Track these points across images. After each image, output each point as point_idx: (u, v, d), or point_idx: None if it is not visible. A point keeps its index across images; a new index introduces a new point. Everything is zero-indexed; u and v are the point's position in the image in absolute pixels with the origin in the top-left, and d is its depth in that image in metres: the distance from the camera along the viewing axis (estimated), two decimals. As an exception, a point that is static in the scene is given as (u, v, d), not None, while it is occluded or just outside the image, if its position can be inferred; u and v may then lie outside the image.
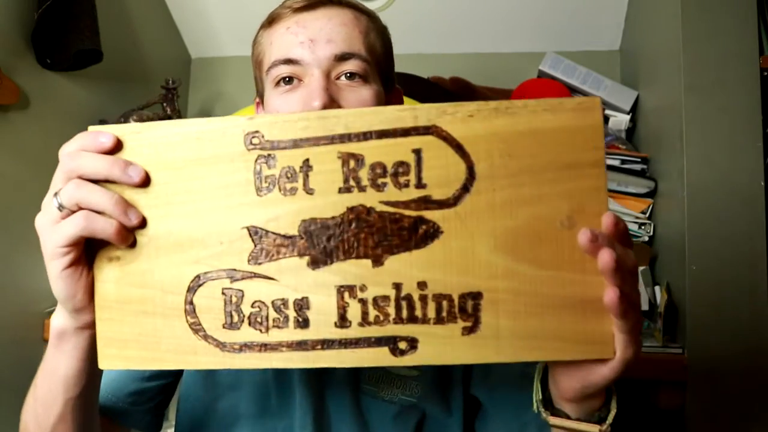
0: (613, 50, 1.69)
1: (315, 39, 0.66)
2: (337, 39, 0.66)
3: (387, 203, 0.46)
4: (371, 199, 0.46)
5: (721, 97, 1.08)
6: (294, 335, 0.47)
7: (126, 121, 1.42)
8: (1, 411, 1.13)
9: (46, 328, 1.24)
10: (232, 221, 0.47)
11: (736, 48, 1.08)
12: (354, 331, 0.47)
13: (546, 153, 0.45)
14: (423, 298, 0.46)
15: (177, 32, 1.81)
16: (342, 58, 0.66)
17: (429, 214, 0.46)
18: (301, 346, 0.47)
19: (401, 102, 0.80)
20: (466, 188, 0.46)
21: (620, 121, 1.46)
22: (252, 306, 0.47)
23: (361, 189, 0.46)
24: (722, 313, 1.03)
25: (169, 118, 1.50)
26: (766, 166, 1.05)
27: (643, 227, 1.27)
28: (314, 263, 0.47)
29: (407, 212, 0.46)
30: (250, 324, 0.47)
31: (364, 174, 0.46)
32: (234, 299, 0.47)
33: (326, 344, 0.47)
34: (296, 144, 0.47)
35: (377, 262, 0.46)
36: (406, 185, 0.46)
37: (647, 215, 1.28)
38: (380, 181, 0.46)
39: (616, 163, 1.31)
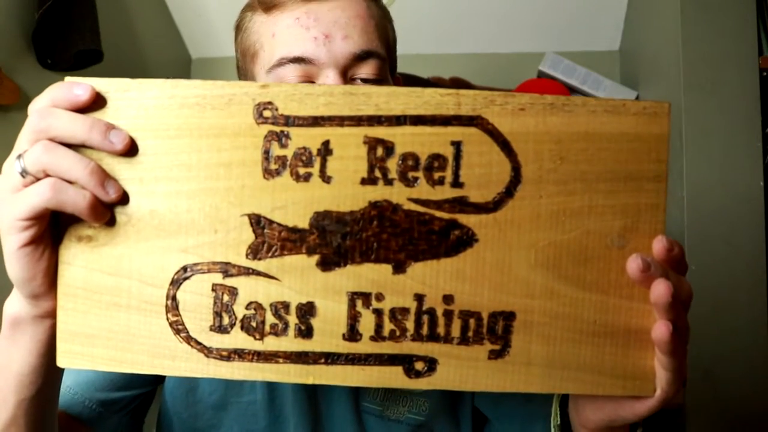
0: (613, 50, 1.69)
1: (330, 34, 0.58)
2: (353, 34, 0.58)
3: (416, 201, 0.40)
4: (398, 194, 0.40)
5: (720, 97, 1.08)
6: (294, 345, 0.41)
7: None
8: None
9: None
10: (231, 206, 0.40)
11: (736, 48, 1.08)
12: (364, 346, 0.41)
13: (603, 160, 0.40)
14: (448, 314, 0.40)
15: (177, 32, 1.81)
16: (360, 57, 0.59)
17: (464, 219, 0.40)
18: (301, 358, 0.41)
19: None
20: (509, 192, 0.40)
21: (620, 121, 1.45)
22: (247, 308, 0.41)
23: (388, 182, 0.40)
24: (721, 312, 1.03)
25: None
26: (765, 166, 1.06)
27: (642, 227, 1.27)
28: (325, 264, 0.40)
29: (439, 214, 0.40)
30: (242, 328, 0.41)
31: (392, 165, 0.40)
32: (226, 298, 0.41)
33: (331, 358, 0.41)
34: (316, 122, 0.40)
35: (399, 268, 0.40)
36: (441, 182, 0.40)
37: (647, 215, 1.28)
38: (411, 174, 0.40)
39: (616, 163, 1.30)
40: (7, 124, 1.18)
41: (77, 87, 0.39)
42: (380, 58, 0.60)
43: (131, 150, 0.40)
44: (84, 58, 1.31)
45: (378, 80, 0.60)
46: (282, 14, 0.59)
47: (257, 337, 0.41)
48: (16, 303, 0.44)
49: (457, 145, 0.40)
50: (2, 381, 0.46)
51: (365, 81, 0.59)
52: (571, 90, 1.52)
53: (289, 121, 0.40)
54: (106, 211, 0.40)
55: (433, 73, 1.62)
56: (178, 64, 1.83)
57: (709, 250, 1.05)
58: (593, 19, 1.63)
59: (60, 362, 0.42)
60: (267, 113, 0.40)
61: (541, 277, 0.40)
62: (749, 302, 1.03)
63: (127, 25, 1.58)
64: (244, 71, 0.66)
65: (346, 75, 0.59)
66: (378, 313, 0.40)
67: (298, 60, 0.58)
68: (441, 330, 0.40)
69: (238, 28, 0.65)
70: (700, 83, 1.09)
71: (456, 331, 0.40)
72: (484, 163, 0.40)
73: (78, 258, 0.41)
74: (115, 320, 0.41)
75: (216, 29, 1.80)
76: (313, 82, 0.58)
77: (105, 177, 0.39)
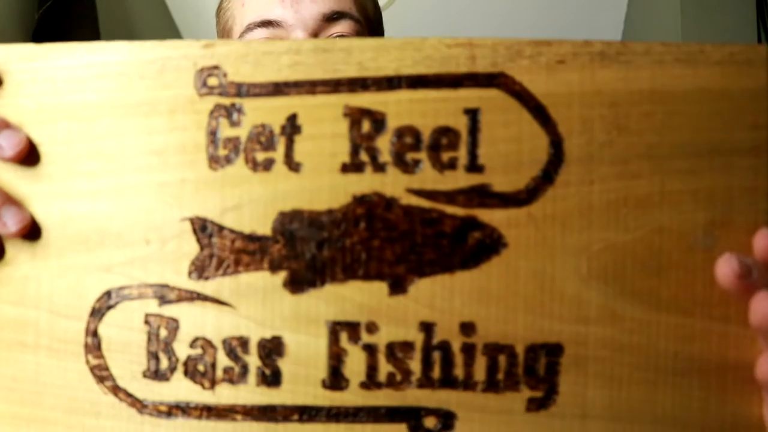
0: (613, 50, 1.69)
1: None
2: None
3: (419, 193, 0.30)
4: (394, 184, 0.30)
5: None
6: (256, 396, 0.30)
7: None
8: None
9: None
10: (168, 207, 0.30)
11: (736, 48, 1.08)
12: (353, 396, 0.30)
13: (676, 128, 0.29)
14: (468, 349, 0.30)
15: (177, 32, 1.82)
16: (331, 18, 0.56)
17: (486, 215, 0.30)
18: (266, 414, 0.30)
19: None
20: (548, 176, 0.30)
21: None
22: (191, 346, 0.31)
23: (379, 168, 0.30)
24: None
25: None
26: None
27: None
28: (295, 283, 0.30)
29: (451, 209, 0.30)
30: (186, 373, 0.31)
31: (384, 144, 0.30)
32: (163, 333, 0.31)
33: (307, 414, 0.30)
34: (278, 89, 0.30)
35: (398, 287, 0.30)
36: (452, 166, 0.30)
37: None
38: (410, 156, 0.30)
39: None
40: (7, 124, 1.18)
41: None
42: (354, 20, 0.57)
43: (28, 158, 0.30)
44: (84, 58, 1.32)
45: None
46: None
47: (206, 385, 0.31)
48: None
49: (472, 113, 0.30)
50: None
51: None
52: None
53: (242, 90, 0.30)
54: None
55: (433, 73, 1.63)
56: (178, 64, 1.84)
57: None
58: (593, 19, 1.63)
59: None
60: (212, 81, 0.30)
61: (597, 293, 0.29)
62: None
63: (127, 25, 1.58)
64: None
65: (317, 38, 0.56)
66: (370, 349, 0.30)
67: (265, 24, 0.56)
68: (459, 371, 0.30)
69: (218, 12, 0.65)
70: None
71: (480, 372, 0.30)
72: (511, 138, 0.29)
73: None
74: (20, 365, 0.31)
75: (216, 30, 1.80)
76: None
77: (3, 201, 0.30)
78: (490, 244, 0.30)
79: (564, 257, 0.29)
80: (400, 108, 0.30)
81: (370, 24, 0.61)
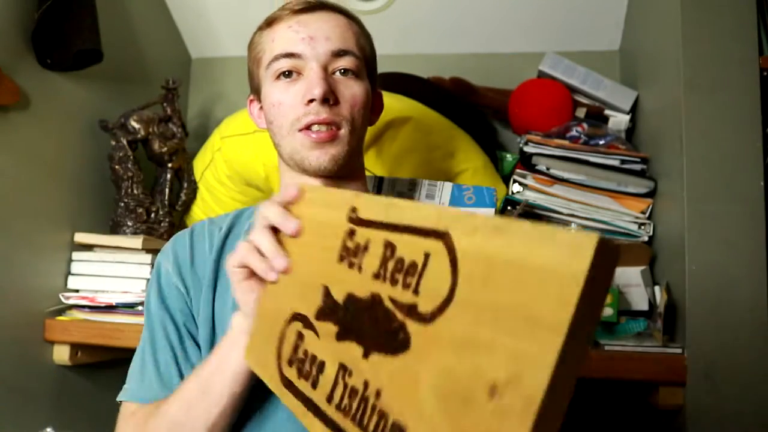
0: (613, 50, 1.68)
1: (314, 36, 0.77)
2: (333, 37, 0.77)
3: (392, 300, 0.46)
4: (385, 291, 0.46)
5: (720, 97, 1.07)
6: (309, 392, 0.52)
7: (126, 121, 1.42)
8: (3, 409, 1.13)
9: (46, 328, 1.24)
10: (318, 276, 0.54)
11: (736, 48, 1.08)
12: (332, 411, 0.49)
13: (517, 291, 0.34)
14: (373, 408, 0.45)
15: (177, 32, 1.80)
16: (338, 54, 0.77)
17: (409, 324, 0.43)
18: (307, 403, 0.52)
19: (382, 104, 0.91)
20: (441, 309, 0.40)
21: (620, 121, 1.44)
22: (303, 353, 0.54)
23: (385, 279, 0.47)
24: (722, 312, 1.02)
25: (170, 118, 1.50)
26: (765, 166, 1.05)
27: (642, 227, 1.26)
28: (339, 335, 0.51)
29: (399, 315, 0.44)
30: (295, 366, 0.55)
31: (391, 264, 0.46)
32: (299, 342, 0.55)
33: (318, 412, 0.50)
34: (381, 225, 0.49)
35: (366, 354, 0.47)
36: (408, 286, 0.44)
37: (647, 215, 1.27)
38: (397, 276, 0.45)
39: (616, 163, 1.29)
40: (7, 124, 1.18)
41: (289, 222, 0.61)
42: (355, 56, 0.78)
43: (298, 233, 0.59)
44: (84, 58, 1.31)
45: (354, 72, 0.78)
46: (279, 25, 0.79)
47: (299, 376, 0.55)
48: (243, 318, 0.64)
49: (426, 256, 0.43)
50: (221, 379, 0.64)
51: (344, 73, 0.77)
52: (572, 90, 1.52)
53: (358, 221, 0.52)
54: (274, 274, 0.60)
55: (433, 73, 1.62)
56: (178, 64, 1.83)
57: (709, 250, 1.05)
58: (593, 19, 1.62)
59: (246, 356, 0.63)
60: (352, 215, 0.53)
61: (432, 404, 0.39)
62: (749, 302, 1.02)
63: (127, 25, 1.58)
64: (251, 76, 0.85)
65: (327, 68, 0.77)
66: (345, 387, 0.48)
67: (289, 55, 0.77)
68: (366, 420, 0.45)
69: (250, 45, 0.84)
70: (700, 83, 1.08)
71: (372, 426, 0.45)
72: (437, 278, 0.41)
73: (266, 293, 0.61)
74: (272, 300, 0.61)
75: (216, 29, 1.79)
76: (300, 73, 0.77)
77: (287, 261, 0.59)
78: (405, 344, 0.43)
79: (429, 371, 0.40)
80: (404, 244, 0.46)
81: (367, 61, 0.82)
